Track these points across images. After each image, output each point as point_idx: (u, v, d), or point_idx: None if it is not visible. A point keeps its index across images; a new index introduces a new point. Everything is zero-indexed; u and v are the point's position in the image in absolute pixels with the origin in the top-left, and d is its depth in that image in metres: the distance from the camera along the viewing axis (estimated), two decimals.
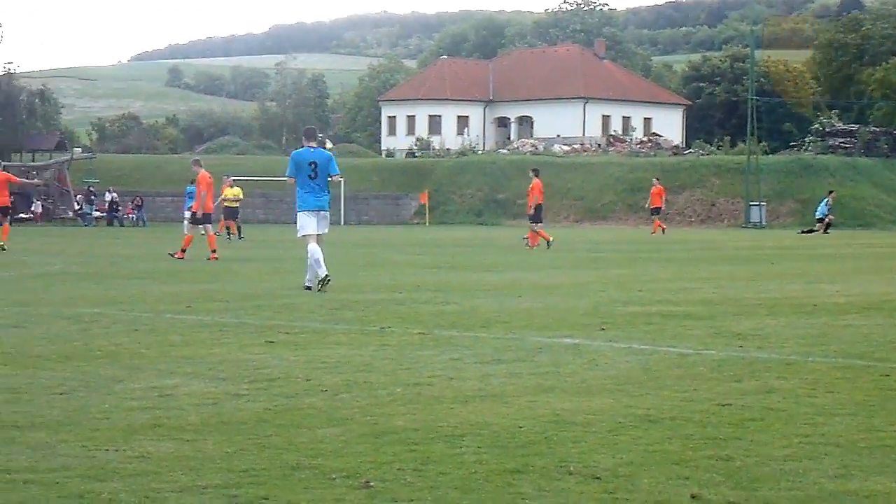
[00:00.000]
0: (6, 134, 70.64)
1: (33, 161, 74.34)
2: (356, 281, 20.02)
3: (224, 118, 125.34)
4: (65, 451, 6.25)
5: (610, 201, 72.58)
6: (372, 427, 6.93)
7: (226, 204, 42.81)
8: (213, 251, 27.55)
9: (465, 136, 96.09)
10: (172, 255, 27.26)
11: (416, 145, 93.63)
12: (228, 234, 42.17)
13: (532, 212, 34.33)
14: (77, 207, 68.79)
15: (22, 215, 62.40)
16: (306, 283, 17.85)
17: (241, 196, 43.29)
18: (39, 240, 42.15)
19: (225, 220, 43.37)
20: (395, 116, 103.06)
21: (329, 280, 17.56)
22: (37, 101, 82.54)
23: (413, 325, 12.56)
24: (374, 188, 77.78)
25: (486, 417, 7.23)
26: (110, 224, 67.28)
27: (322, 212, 18.21)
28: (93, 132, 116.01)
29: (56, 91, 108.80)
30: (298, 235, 18.24)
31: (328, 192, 18.43)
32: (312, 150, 18.20)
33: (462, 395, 8.05)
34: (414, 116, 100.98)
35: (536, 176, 34.34)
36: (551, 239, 34.19)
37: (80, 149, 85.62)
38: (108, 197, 69.03)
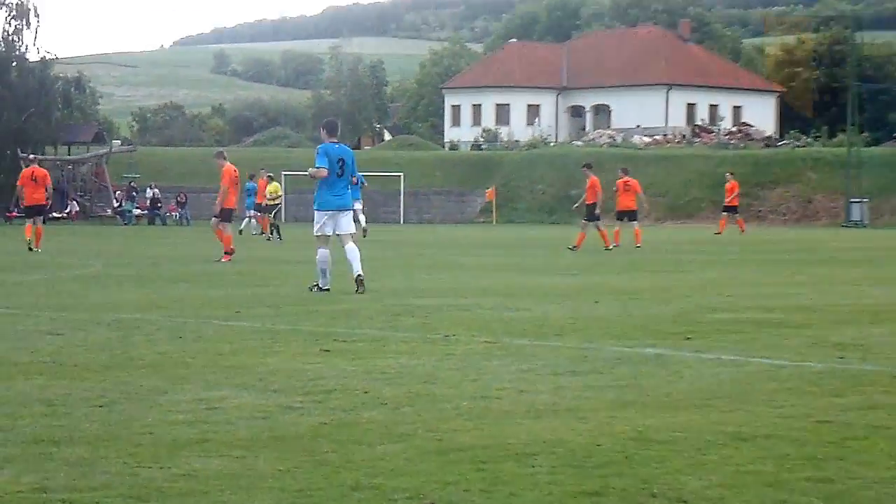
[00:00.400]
0: (40, 126, 71.43)
1: (69, 154, 75.13)
2: (417, 285, 20.08)
3: (274, 108, 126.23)
4: (105, 468, 6.32)
5: (695, 198, 72.18)
6: (436, 443, 6.95)
7: (266, 201, 43.14)
8: (227, 252, 27.46)
9: (536, 126, 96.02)
10: (219, 261, 27.36)
11: (482, 137, 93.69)
12: (278, 233, 42.37)
13: (597, 211, 33.89)
14: (116, 204, 69.49)
15: (55, 214, 62.86)
16: (321, 287, 18.23)
17: (278, 193, 43.46)
18: (76, 239, 42.68)
19: (264, 216, 43.76)
20: (459, 105, 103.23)
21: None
22: (73, 89, 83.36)
23: (480, 332, 12.59)
24: (436, 184, 77.96)
25: (561, 434, 7.22)
26: (152, 223, 67.99)
27: (344, 210, 18.58)
28: (133, 123, 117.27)
29: (94, 79, 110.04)
30: (315, 233, 18.54)
31: (350, 191, 18.81)
32: (337, 145, 18.54)
33: (534, 410, 8.05)
34: (480, 105, 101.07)
35: (592, 172, 33.97)
36: (579, 247, 33.38)
37: (119, 141, 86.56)
38: (149, 193, 69.74)
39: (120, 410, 8.01)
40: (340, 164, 18.39)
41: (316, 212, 18.57)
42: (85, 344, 11.59)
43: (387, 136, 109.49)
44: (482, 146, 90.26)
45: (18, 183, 32.87)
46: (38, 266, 25.40)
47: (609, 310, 15.33)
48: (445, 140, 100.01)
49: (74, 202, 69.69)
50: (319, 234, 18.46)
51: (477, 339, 11.97)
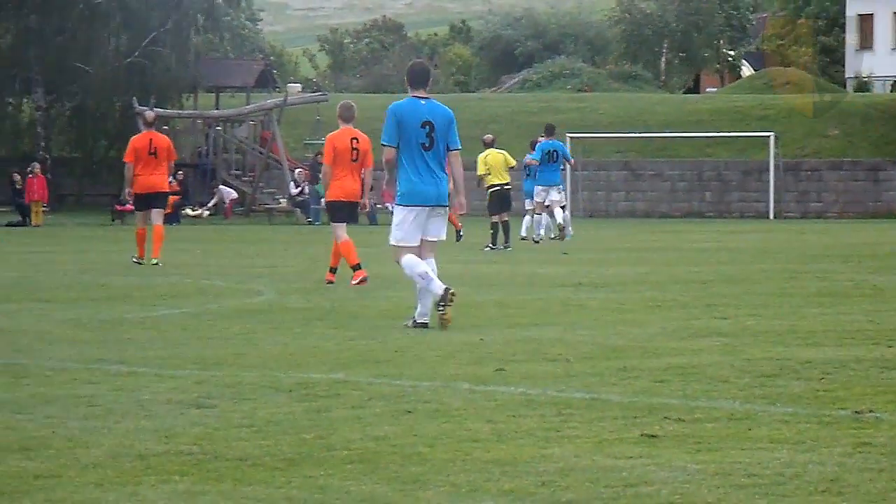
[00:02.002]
0: (166, 59, 72.16)
1: (217, 108, 76.20)
2: (803, 324, 19.89)
3: (555, 25, 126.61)
4: None
5: None
6: None
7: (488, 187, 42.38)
8: (332, 270, 27.70)
9: None
10: (330, 282, 27.72)
11: None
12: (505, 236, 41.91)
13: None
14: (296, 191, 70.24)
15: (189, 211, 63.08)
16: (417, 320, 19.04)
17: (499, 169, 42.07)
18: (231, 248, 43.50)
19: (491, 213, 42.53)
20: (871, 15, 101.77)
21: (453, 296, 18.62)
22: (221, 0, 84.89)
23: None
24: (834, 150, 77.09)
25: None
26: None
27: (439, 207, 19.28)
28: (321, 54, 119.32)
29: None
30: (391, 242, 19.36)
31: (445, 173, 19.43)
32: (423, 101, 19.17)
33: None
34: None
35: None
36: None
37: (298, 85, 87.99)
38: None
39: None
40: (428, 129, 18.87)
41: (397, 207, 19.33)
42: (252, 423, 11.83)
43: (745, 70, 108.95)
44: None
45: (126, 158, 33.04)
46: (169, 294, 26.00)
47: None
48: (848, 75, 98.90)
49: (228, 187, 70.73)
50: (401, 243, 19.12)
51: None
